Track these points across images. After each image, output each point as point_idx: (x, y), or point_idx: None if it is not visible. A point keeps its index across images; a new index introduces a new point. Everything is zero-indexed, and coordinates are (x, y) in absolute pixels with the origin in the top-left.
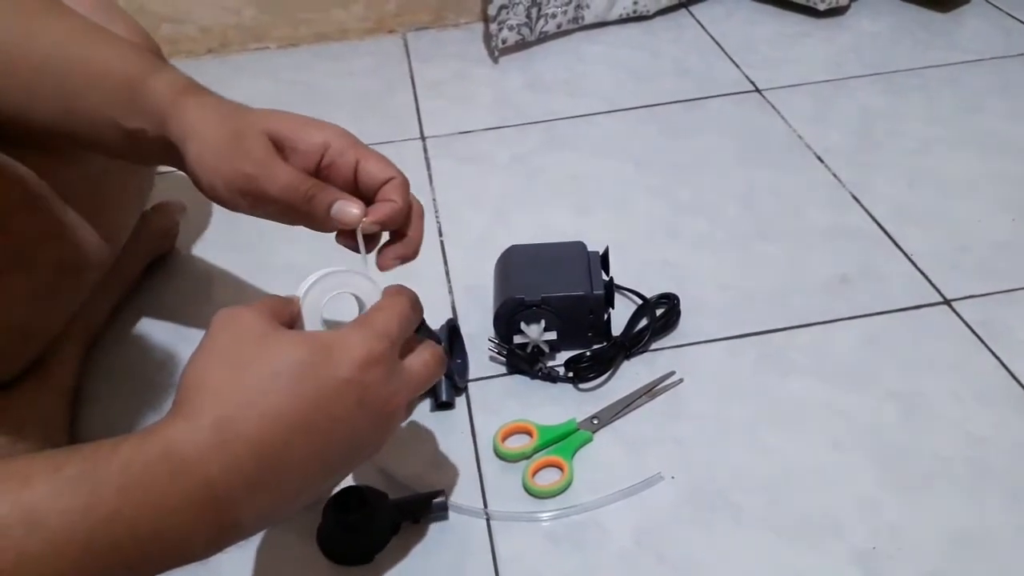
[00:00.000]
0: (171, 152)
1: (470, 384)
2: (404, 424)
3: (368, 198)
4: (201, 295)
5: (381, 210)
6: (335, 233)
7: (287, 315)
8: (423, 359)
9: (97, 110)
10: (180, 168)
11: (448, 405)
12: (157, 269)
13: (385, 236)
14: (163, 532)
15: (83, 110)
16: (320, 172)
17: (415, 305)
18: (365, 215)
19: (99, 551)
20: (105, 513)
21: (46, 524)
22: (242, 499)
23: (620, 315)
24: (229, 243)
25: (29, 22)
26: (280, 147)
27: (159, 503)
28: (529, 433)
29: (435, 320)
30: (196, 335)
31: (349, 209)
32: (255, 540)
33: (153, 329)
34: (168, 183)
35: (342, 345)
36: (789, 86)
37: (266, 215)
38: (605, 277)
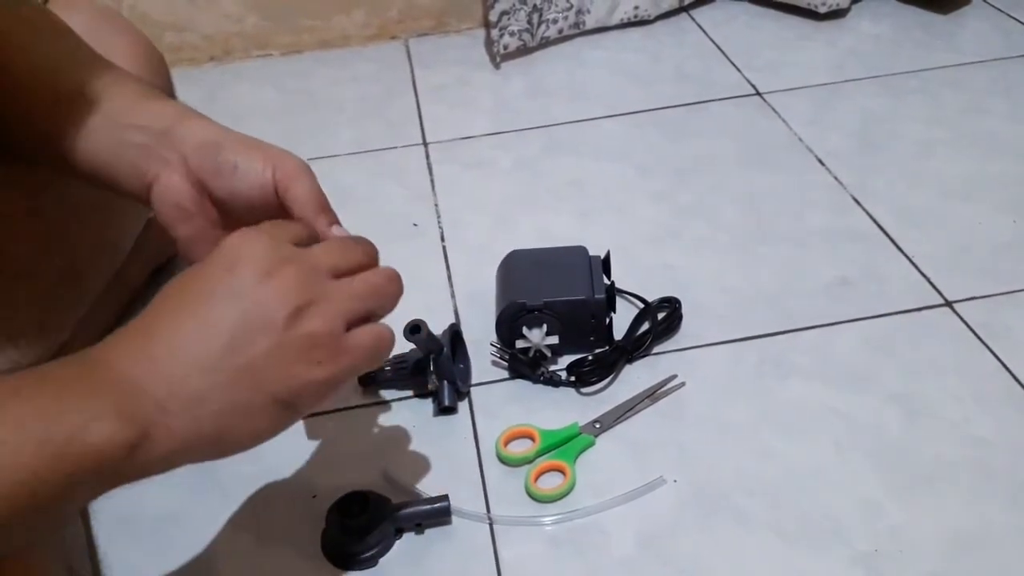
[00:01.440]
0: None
1: (472, 389)
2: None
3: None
4: None
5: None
6: None
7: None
8: (362, 275)
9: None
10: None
11: (451, 410)
12: (161, 275)
13: None
14: (61, 406)
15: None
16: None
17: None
18: None
19: (30, 431)
20: (5, 393)
21: None
22: (136, 372)
23: (622, 319)
24: None
25: (91, 70)
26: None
27: (52, 379)
28: (531, 437)
29: (438, 325)
30: None
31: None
32: (258, 543)
33: None
34: None
35: (226, 240)
36: (790, 89)
37: (198, 242)
38: (607, 281)
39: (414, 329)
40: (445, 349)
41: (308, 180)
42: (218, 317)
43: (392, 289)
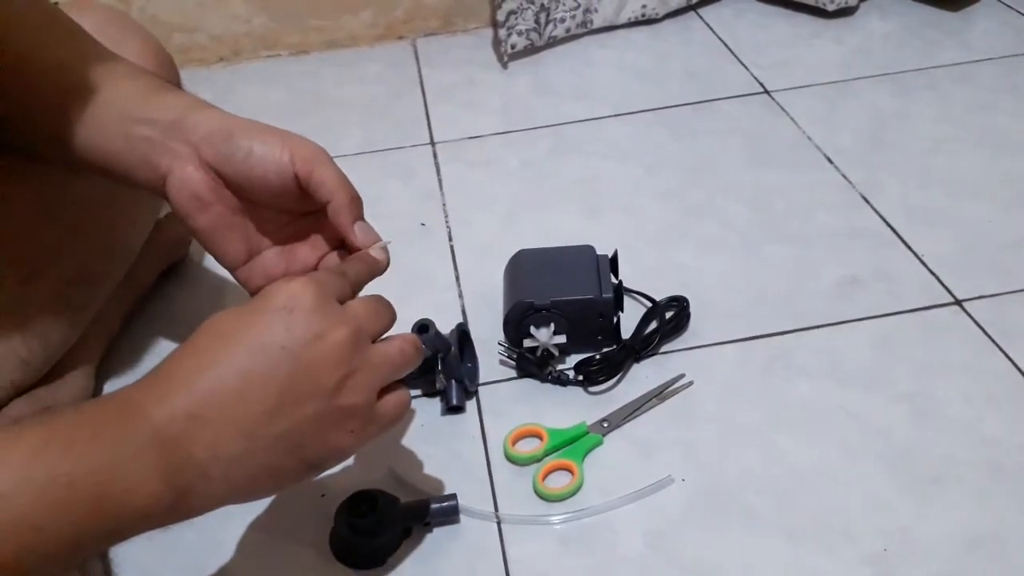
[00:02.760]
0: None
1: (480, 388)
2: (388, 425)
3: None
4: (214, 303)
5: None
6: None
7: (337, 288)
8: (396, 343)
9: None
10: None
11: (459, 409)
12: (170, 277)
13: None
14: (114, 468)
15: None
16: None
17: (373, 266)
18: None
19: (57, 487)
20: (59, 446)
21: (9, 466)
22: (182, 433)
23: (630, 318)
24: None
25: (95, 65)
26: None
27: (107, 437)
28: (539, 436)
29: (445, 324)
30: None
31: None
32: (268, 541)
33: (166, 337)
34: None
35: (275, 286)
36: (798, 87)
37: (225, 243)
38: (614, 280)
39: (422, 328)
40: (453, 348)
41: (331, 164)
42: (266, 377)
43: (416, 358)
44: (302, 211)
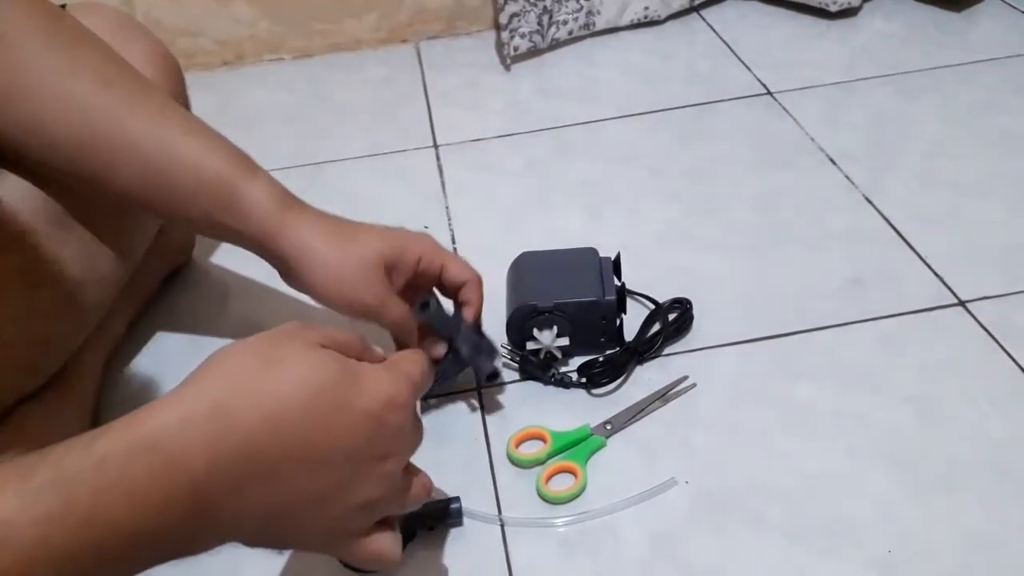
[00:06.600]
0: (269, 255)
1: (483, 391)
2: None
3: (448, 292)
4: (218, 307)
5: (468, 313)
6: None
7: (353, 348)
8: (421, 483)
9: (187, 199)
10: (279, 268)
11: (496, 375)
12: (174, 282)
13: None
14: (145, 531)
15: (168, 199)
16: (414, 278)
17: (430, 367)
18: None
19: (80, 555)
20: (80, 518)
21: (18, 537)
22: (224, 502)
23: (633, 320)
24: (245, 256)
25: (118, 100)
26: (391, 272)
27: (138, 503)
28: (542, 439)
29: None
30: (213, 346)
31: (437, 349)
32: None
33: (171, 341)
34: None
35: (372, 377)
36: (801, 88)
37: None
38: (617, 282)
39: (424, 306)
40: (462, 319)
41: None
42: (319, 476)
43: (426, 497)
44: None
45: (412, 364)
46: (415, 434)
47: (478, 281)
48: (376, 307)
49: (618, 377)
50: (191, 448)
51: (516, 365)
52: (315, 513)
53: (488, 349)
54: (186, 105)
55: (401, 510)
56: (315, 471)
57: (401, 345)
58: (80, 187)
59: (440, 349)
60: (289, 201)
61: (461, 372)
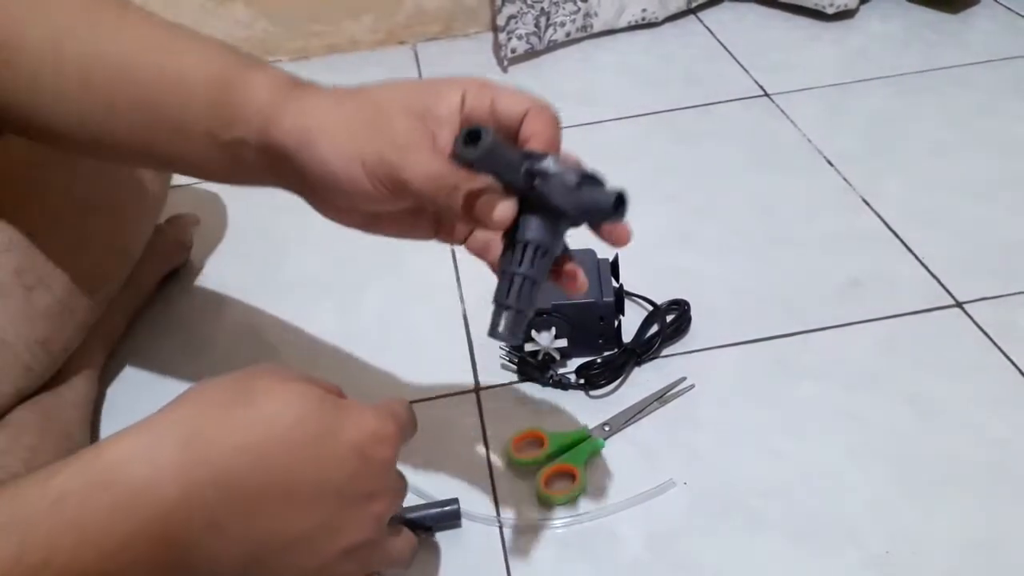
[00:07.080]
0: (277, 165)
1: (481, 392)
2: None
3: (510, 134)
4: (215, 307)
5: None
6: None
7: (332, 391)
8: (408, 534)
9: (185, 121)
10: (289, 183)
11: (621, 204)
12: (171, 282)
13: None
14: (109, 574)
15: (169, 121)
16: (460, 125)
17: (413, 418)
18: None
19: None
20: (34, 563)
21: None
22: (200, 538)
23: (631, 322)
24: (242, 256)
25: (101, 26)
26: (423, 119)
27: (99, 543)
28: (541, 441)
29: (446, 326)
30: (210, 346)
31: (502, 210)
32: None
33: (168, 341)
34: (182, 196)
35: (356, 410)
36: (798, 90)
37: (397, 230)
38: (615, 284)
39: (471, 136)
40: (549, 161)
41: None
42: (305, 512)
43: (411, 557)
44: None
45: (397, 404)
46: (400, 480)
47: (542, 107)
48: (396, 160)
49: (616, 378)
50: (159, 478)
51: (514, 367)
52: (298, 555)
53: (590, 178)
54: None
55: (384, 565)
56: (301, 506)
57: (446, 225)
58: (82, 145)
59: (506, 209)
60: (294, 84)
61: (564, 234)
